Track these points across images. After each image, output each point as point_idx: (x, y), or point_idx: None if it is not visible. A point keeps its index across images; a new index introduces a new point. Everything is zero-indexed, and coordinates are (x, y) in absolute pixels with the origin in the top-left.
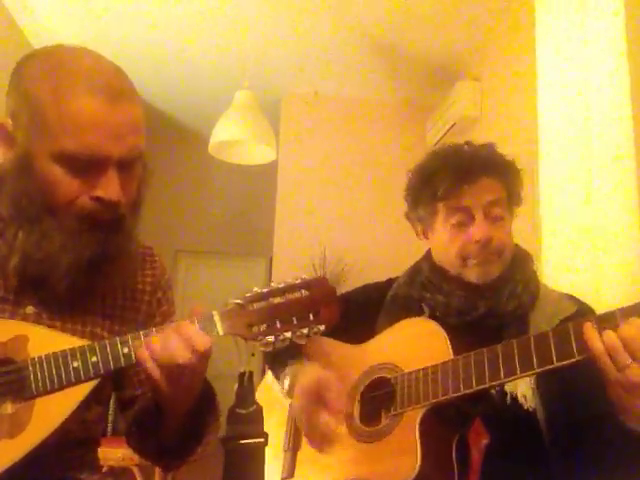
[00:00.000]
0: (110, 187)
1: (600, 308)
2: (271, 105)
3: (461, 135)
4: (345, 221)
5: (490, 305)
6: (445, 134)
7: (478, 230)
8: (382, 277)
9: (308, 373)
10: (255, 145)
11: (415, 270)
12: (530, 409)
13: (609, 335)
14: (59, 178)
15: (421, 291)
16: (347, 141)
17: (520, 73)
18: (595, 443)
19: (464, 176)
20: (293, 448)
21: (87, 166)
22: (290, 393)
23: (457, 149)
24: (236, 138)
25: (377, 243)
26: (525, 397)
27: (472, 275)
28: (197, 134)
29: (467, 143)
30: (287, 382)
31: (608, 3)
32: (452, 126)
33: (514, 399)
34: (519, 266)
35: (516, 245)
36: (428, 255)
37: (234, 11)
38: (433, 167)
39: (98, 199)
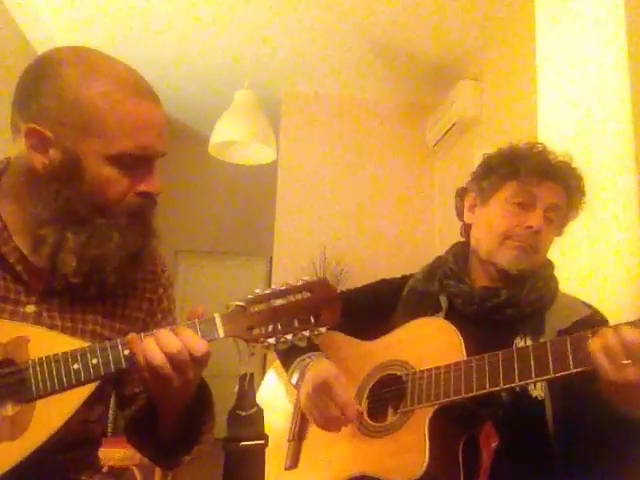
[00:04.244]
0: (153, 181)
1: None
2: (271, 105)
3: (461, 135)
4: (345, 221)
5: (511, 293)
6: (445, 134)
7: (535, 218)
8: (382, 277)
9: (317, 368)
10: (255, 145)
11: (437, 264)
12: (539, 397)
13: (609, 338)
14: (113, 178)
15: (443, 280)
16: (347, 141)
17: (520, 73)
18: (598, 441)
19: (549, 172)
20: (298, 438)
21: (137, 164)
22: (298, 385)
23: (550, 150)
24: (236, 138)
25: (377, 243)
26: (534, 384)
27: (504, 256)
28: (197, 134)
29: (564, 154)
30: (296, 376)
31: (608, 3)
32: (452, 126)
33: (522, 387)
34: (540, 267)
35: None
36: (454, 248)
37: (234, 12)
38: (523, 151)
39: (143, 194)
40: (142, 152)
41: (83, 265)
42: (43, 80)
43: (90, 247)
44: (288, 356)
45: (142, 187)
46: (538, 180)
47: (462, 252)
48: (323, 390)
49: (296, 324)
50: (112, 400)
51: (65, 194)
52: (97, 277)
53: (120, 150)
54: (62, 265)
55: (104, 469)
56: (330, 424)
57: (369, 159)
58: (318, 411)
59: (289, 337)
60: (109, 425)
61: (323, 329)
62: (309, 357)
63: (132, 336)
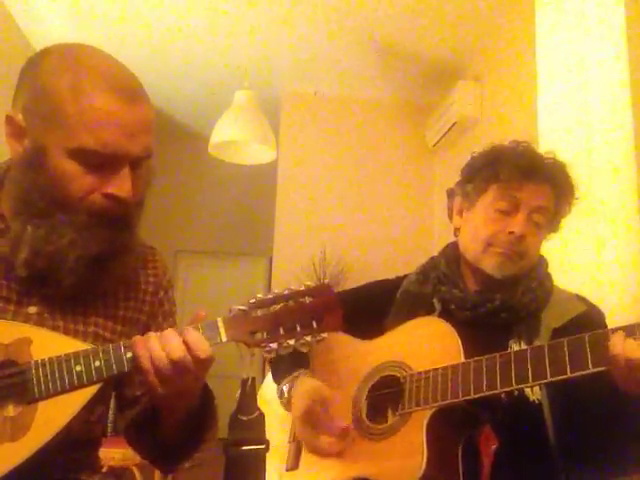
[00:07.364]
0: (123, 184)
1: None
2: (271, 105)
3: (461, 135)
4: (345, 221)
5: (505, 298)
6: (445, 134)
7: (517, 224)
8: (382, 277)
9: (304, 391)
10: (255, 145)
11: (430, 266)
12: (536, 401)
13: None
14: (73, 173)
15: (437, 285)
16: (347, 141)
17: (520, 73)
18: (597, 439)
19: (531, 173)
20: (298, 440)
21: (102, 163)
22: (288, 407)
23: (533, 149)
24: (236, 138)
25: (377, 243)
26: (531, 389)
27: (489, 264)
28: (197, 134)
29: (548, 152)
30: (285, 392)
31: (608, 3)
32: (452, 126)
33: (520, 391)
34: (534, 266)
35: None
36: (446, 250)
37: (234, 12)
38: (504, 152)
39: (110, 196)
40: (103, 149)
41: (37, 260)
42: (27, 69)
43: (47, 243)
44: (277, 367)
45: (109, 189)
46: (519, 183)
47: (454, 254)
48: (308, 421)
49: (298, 329)
50: (112, 400)
51: (26, 185)
52: (53, 275)
53: (80, 144)
54: (15, 255)
55: (104, 469)
56: (320, 452)
57: (369, 159)
58: (307, 441)
59: (291, 342)
60: (109, 425)
61: (325, 334)
62: (299, 372)
63: (137, 338)
